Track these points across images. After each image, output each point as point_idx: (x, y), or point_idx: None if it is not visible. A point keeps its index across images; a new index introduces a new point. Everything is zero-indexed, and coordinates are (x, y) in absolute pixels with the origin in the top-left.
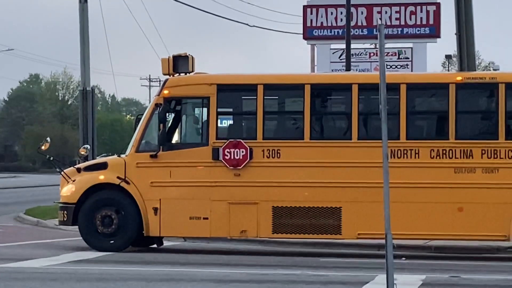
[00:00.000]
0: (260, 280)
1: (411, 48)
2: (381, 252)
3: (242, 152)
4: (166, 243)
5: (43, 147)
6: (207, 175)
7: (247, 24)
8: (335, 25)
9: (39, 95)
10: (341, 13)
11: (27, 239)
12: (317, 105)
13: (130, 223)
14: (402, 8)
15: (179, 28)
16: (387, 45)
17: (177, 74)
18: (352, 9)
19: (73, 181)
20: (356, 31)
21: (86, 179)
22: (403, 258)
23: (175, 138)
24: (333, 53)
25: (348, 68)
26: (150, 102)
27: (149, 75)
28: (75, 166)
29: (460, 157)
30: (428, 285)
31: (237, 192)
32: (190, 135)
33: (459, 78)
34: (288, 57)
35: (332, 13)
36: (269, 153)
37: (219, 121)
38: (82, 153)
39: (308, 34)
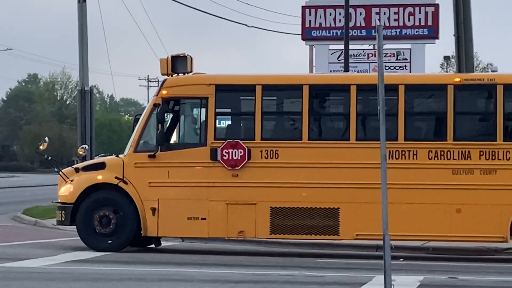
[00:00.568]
0: (257, 281)
1: (410, 49)
2: (378, 253)
3: (240, 152)
4: (164, 243)
5: (41, 147)
6: (205, 175)
7: (245, 25)
8: (334, 26)
9: (37, 95)
10: (340, 14)
11: (25, 238)
12: (315, 106)
13: (128, 223)
14: (401, 9)
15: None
16: (385, 46)
17: (176, 74)
18: (351, 10)
19: (71, 181)
20: (355, 32)
21: (84, 179)
22: (401, 259)
23: (173, 138)
24: (331, 54)
25: (346, 69)
26: (148, 102)
27: (148, 75)
28: (73, 166)
29: (458, 159)
30: (426, 286)
31: (235, 192)
32: (188, 135)
33: (457, 80)
34: (287, 57)
35: (330, 14)
36: (267, 153)
37: (217, 121)
38: (80, 153)
39: (307, 35)
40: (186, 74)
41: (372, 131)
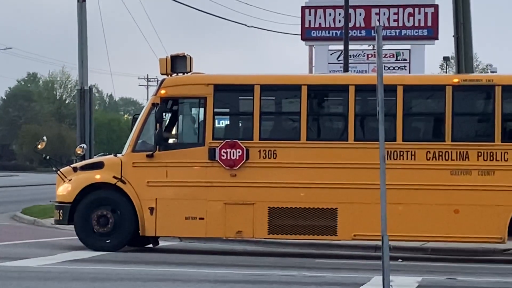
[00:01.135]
0: (256, 281)
1: (409, 49)
2: (377, 253)
3: (239, 152)
4: (162, 243)
5: (39, 146)
6: (203, 175)
7: (245, 25)
8: (333, 26)
9: (36, 94)
10: (339, 14)
11: (24, 238)
12: (314, 106)
13: (126, 223)
14: (400, 9)
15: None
16: (385, 47)
17: (175, 74)
18: (351, 11)
19: (69, 180)
20: (354, 33)
21: (82, 178)
22: (400, 260)
23: (172, 138)
24: (331, 54)
25: (346, 70)
26: (147, 101)
27: (147, 75)
28: (72, 166)
29: (456, 159)
30: (424, 287)
31: (233, 192)
32: (187, 135)
33: (456, 80)
34: (286, 58)
35: (330, 14)
36: (265, 153)
37: (215, 121)
38: (79, 152)
39: (306, 35)
40: (185, 73)
41: (370, 132)
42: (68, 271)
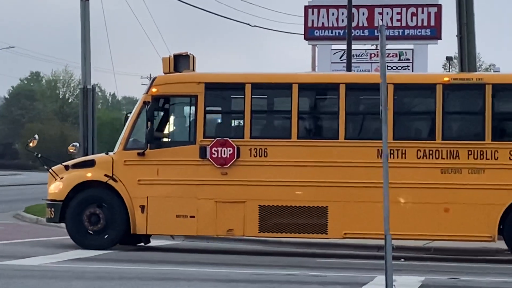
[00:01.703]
0: (257, 280)
1: (412, 49)
2: (380, 253)
3: (229, 150)
4: (164, 242)
5: (31, 144)
6: (194, 173)
7: (248, 24)
8: (336, 25)
9: (39, 93)
10: (342, 13)
11: (27, 236)
12: (305, 105)
13: (117, 221)
14: (403, 9)
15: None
16: (388, 46)
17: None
18: (353, 10)
19: (61, 178)
20: (357, 32)
21: (74, 176)
22: (402, 260)
23: (163, 136)
24: (334, 54)
25: (349, 69)
26: (139, 100)
27: (150, 74)
28: (63, 164)
29: (447, 158)
30: (427, 286)
31: (224, 190)
32: (178, 133)
33: (446, 79)
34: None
35: (333, 14)
36: (256, 152)
37: (206, 119)
38: (71, 150)
39: (309, 34)
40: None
41: (361, 130)
42: (71, 270)
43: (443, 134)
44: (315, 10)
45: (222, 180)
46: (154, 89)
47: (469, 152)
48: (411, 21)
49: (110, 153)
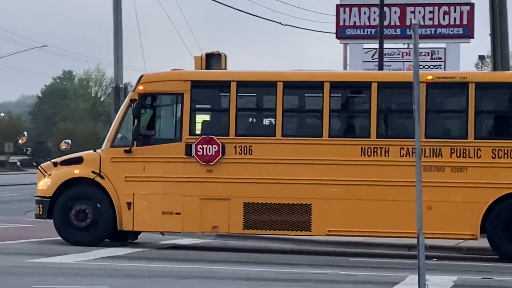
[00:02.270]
0: (290, 279)
1: (444, 48)
2: (412, 252)
3: (215, 148)
4: (196, 240)
5: (20, 141)
6: (180, 170)
7: (279, 23)
8: (368, 24)
9: (72, 92)
10: (374, 12)
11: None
12: (289, 103)
13: (104, 217)
14: (436, 8)
15: (212, 26)
16: (420, 45)
17: None
18: (385, 9)
19: (49, 175)
20: (389, 31)
21: (62, 173)
22: (435, 259)
23: (149, 133)
24: (365, 53)
25: (380, 68)
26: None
27: None
28: (52, 160)
29: (430, 156)
30: (460, 286)
31: (209, 188)
32: (164, 130)
33: (429, 77)
34: (321, 56)
35: (365, 13)
36: (241, 149)
37: (192, 117)
38: (63, 147)
39: (341, 33)
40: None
41: (345, 128)
42: (103, 268)
43: (426, 132)
44: (347, 9)
45: (207, 177)
46: (141, 87)
47: (452, 151)
48: (444, 20)
49: (98, 150)
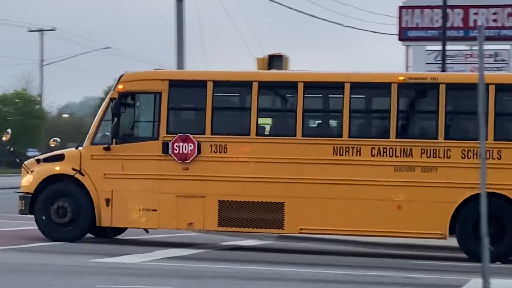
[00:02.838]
0: (350, 281)
1: (508, 50)
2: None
3: (190, 146)
4: (258, 242)
5: (4, 138)
6: (157, 168)
7: (341, 25)
8: (431, 26)
9: None
10: (437, 14)
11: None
12: (264, 102)
13: (84, 214)
14: (500, 9)
15: (273, 27)
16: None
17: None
18: (448, 10)
19: (32, 172)
20: (452, 33)
21: (43, 170)
22: (498, 262)
23: (128, 131)
24: (428, 55)
25: (443, 70)
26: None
27: None
28: (35, 158)
29: (400, 156)
30: None
31: (185, 185)
32: (142, 129)
33: (401, 78)
34: (383, 58)
35: (427, 14)
36: (216, 148)
37: (170, 116)
38: (52, 145)
39: (404, 35)
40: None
41: (318, 128)
42: (166, 268)
43: (397, 133)
44: (409, 11)
45: (183, 175)
46: (120, 86)
47: (422, 151)
48: (507, 21)
49: (80, 148)
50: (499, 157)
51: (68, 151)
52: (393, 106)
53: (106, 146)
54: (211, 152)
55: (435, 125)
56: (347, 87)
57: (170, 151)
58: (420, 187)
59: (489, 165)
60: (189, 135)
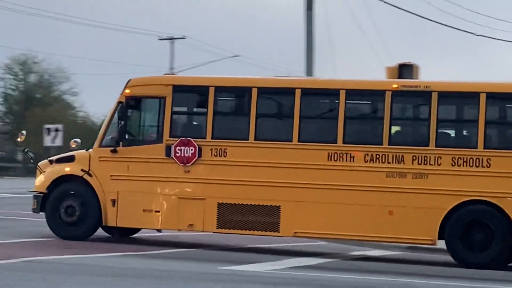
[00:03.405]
0: None
1: None
2: None
3: (192, 150)
4: (385, 252)
5: (18, 139)
6: (160, 170)
7: (472, 33)
8: None
9: None
10: None
11: (244, 242)
12: (262, 108)
13: (91, 214)
14: None
15: (402, 36)
16: None
17: None
18: None
19: (44, 172)
20: None
21: (55, 170)
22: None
23: (134, 135)
24: None
25: None
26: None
27: None
28: (49, 159)
29: (392, 162)
30: None
31: (186, 187)
32: (147, 132)
33: (395, 86)
34: None
35: None
36: (216, 152)
37: (173, 120)
38: (73, 146)
39: None
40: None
41: (314, 133)
42: (296, 277)
43: (390, 139)
44: None
45: (185, 178)
46: (127, 91)
47: (414, 157)
48: None
49: (90, 150)
50: (488, 165)
51: (78, 152)
52: (387, 113)
53: (113, 148)
54: (211, 155)
55: (427, 132)
56: (342, 94)
57: (172, 154)
58: (411, 194)
59: (479, 173)
60: (190, 139)
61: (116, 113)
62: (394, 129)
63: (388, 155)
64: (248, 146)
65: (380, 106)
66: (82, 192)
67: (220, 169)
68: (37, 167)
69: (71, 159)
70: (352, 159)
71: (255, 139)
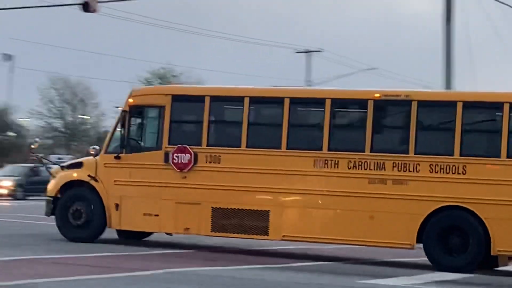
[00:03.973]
0: None
1: None
2: None
3: (188, 157)
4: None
5: (32, 146)
6: (159, 176)
7: None
8: None
9: None
10: None
11: (384, 256)
12: (253, 116)
13: (97, 217)
14: None
15: None
16: None
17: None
18: None
19: (55, 177)
20: None
21: (64, 176)
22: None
23: (136, 142)
24: None
25: None
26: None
27: None
28: (61, 165)
29: (374, 169)
30: None
31: (183, 193)
32: (148, 140)
33: (377, 95)
34: None
35: None
36: (211, 158)
37: (171, 128)
38: (92, 152)
39: None
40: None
41: (301, 141)
42: None
43: (372, 147)
44: None
45: (182, 183)
46: (130, 100)
47: (394, 164)
48: None
49: (97, 157)
50: (464, 172)
51: (86, 159)
52: (369, 122)
53: (116, 155)
54: (206, 162)
55: (406, 140)
56: (327, 103)
57: (170, 161)
58: (391, 199)
59: (455, 180)
60: (187, 146)
61: (120, 122)
62: (376, 137)
63: (370, 162)
64: (240, 153)
65: (363, 115)
66: (88, 196)
67: (214, 175)
68: (50, 172)
69: (79, 165)
70: (336, 166)
71: (246, 147)
